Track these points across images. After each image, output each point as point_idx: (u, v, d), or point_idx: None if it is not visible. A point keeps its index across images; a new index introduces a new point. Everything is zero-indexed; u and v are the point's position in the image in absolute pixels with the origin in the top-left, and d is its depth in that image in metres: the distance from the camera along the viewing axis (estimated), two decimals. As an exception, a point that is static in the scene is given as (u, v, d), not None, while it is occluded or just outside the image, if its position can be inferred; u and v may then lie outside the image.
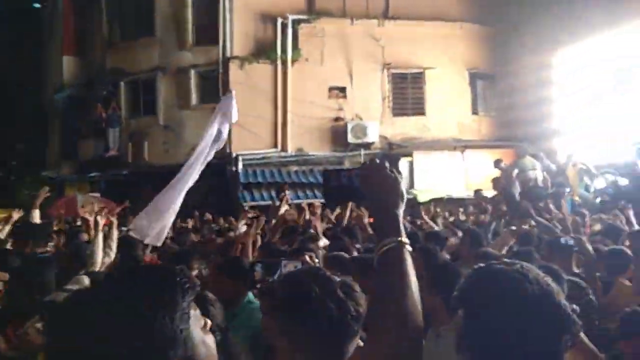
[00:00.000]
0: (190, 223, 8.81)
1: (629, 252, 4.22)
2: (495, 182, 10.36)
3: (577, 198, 9.44)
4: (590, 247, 4.29)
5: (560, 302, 1.25)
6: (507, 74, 15.40)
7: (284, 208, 7.08)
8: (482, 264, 1.39)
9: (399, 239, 1.30)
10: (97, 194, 14.14)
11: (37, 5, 20.36)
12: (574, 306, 1.30)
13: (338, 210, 7.66)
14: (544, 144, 12.51)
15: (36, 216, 5.81)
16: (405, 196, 1.38)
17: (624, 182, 9.48)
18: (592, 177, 10.80)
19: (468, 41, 15.50)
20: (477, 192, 9.83)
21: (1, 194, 17.59)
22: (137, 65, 15.53)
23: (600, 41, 11.95)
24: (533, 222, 5.77)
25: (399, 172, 1.41)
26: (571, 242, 4.27)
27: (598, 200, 9.48)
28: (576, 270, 4.16)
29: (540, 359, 1.24)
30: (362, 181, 1.40)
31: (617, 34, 11.51)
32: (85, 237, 5.25)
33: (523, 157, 10.00)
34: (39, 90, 20.58)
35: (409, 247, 1.31)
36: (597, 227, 7.45)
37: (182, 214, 10.84)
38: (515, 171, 9.88)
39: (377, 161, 1.42)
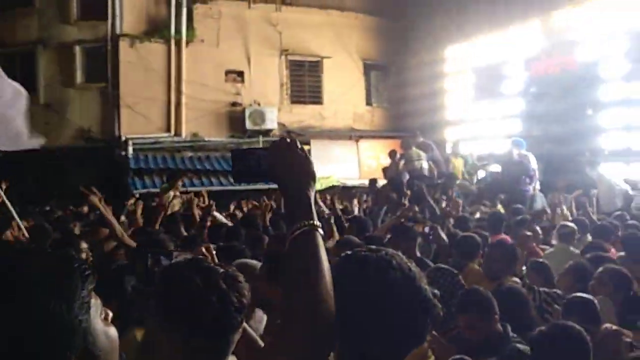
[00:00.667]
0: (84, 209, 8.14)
1: (478, 238, 4.65)
2: (385, 171, 10.85)
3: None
4: (443, 235, 4.78)
5: (421, 286, 1.29)
6: (400, 66, 16.06)
7: (172, 195, 6.89)
8: (348, 252, 1.40)
9: (311, 222, 1.23)
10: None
11: None
12: (435, 291, 1.36)
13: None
14: (435, 135, 13.22)
15: None
16: (317, 176, 1.32)
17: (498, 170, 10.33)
18: (474, 168, 11.66)
19: (363, 32, 15.92)
20: (372, 181, 10.20)
21: None
22: (13, 37, 14.12)
23: (485, 41, 12.86)
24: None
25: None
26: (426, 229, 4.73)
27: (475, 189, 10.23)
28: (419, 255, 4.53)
29: (405, 341, 1.29)
30: (271, 161, 1.32)
31: (499, 35, 12.44)
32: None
33: (409, 149, 10.47)
34: None
35: (321, 231, 1.25)
36: (477, 215, 8.09)
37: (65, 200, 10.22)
38: (402, 162, 10.38)
39: (288, 140, 1.34)
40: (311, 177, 1.31)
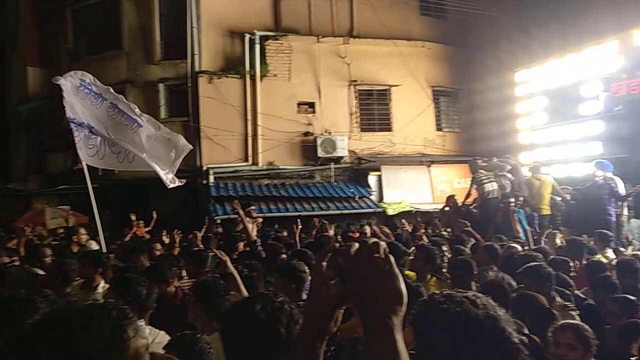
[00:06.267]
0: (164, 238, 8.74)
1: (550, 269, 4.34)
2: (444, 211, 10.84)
3: (546, 209, 9.87)
4: None
5: (505, 327, 1.20)
6: (469, 91, 16.11)
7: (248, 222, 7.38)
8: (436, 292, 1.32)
9: None
10: (67, 207, 13.93)
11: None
12: (523, 337, 1.27)
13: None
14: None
15: None
16: (405, 299, 1.06)
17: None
18: (557, 191, 11.31)
19: (430, 60, 16.14)
20: (443, 210, 10.26)
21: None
22: (105, 78, 15.21)
23: (557, 63, 12.68)
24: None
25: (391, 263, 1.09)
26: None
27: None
28: None
29: None
30: (348, 276, 1.10)
31: (571, 57, 12.24)
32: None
33: (476, 171, 10.36)
34: (1, 102, 20.11)
35: None
36: (558, 241, 7.91)
37: (155, 227, 10.95)
38: (474, 186, 10.30)
39: (368, 247, 1.10)
40: (397, 299, 1.05)
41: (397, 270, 1.06)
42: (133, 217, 10.12)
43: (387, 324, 1.02)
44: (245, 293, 3.22)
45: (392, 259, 1.08)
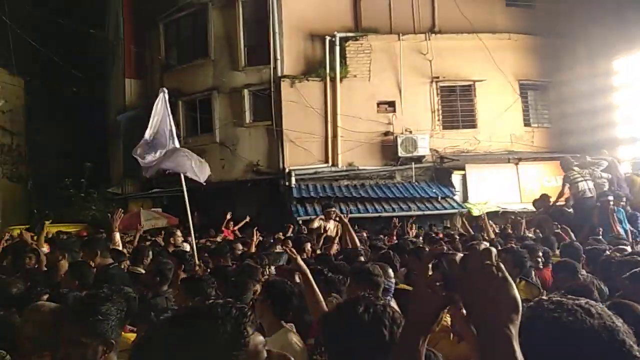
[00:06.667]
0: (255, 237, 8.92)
1: None
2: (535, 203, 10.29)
3: None
4: None
5: (625, 340, 1.11)
6: (559, 83, 15.17)
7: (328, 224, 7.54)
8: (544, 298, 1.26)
9: None
10: (159, 209, 14.85)
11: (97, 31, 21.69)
12: None
13: None
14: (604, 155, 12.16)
15: (117, 238, 6.32)
16: (520, 308, 1.02)
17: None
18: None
19: (517, 52, 15.40)
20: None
21: (72, 210, 18.74)
22: (193, 86, 16.29)
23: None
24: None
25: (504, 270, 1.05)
26: None
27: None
28: None
29: None
30: (457, 276, 1.09)
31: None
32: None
33: (569, 169, 9.79)
34: (104, 112, 21.88)
35: None
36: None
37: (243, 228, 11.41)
38: (567, 185, 9.74)
39: (480, 249, 1.10)
40: (514, 308, 1.01)
41: (510, 277, 1.03)
42: (228, 216, 10.60)
43: (506, 333, 0.99)
44: (316, 290, 3.22)
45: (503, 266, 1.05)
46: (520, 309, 1.01)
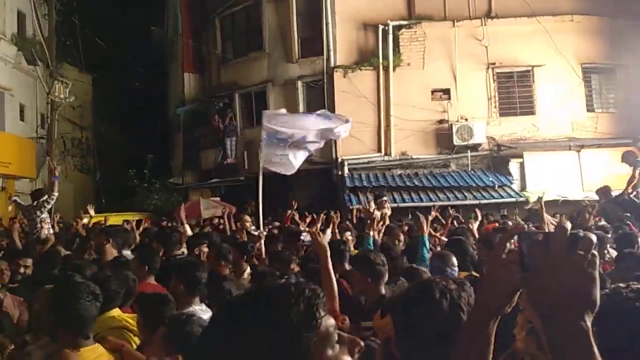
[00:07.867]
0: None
1: None
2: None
3: None
4: None
5: None
6: (626, 66, 14.40)
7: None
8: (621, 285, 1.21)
9: None
10: (218, 198, 15.34)
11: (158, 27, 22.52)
12: None
13: None
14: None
15: (187, 230, 6.79)
16: (598, 301, 0.94)
17: None
18: None
19: (580, 34, 14.71)
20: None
21: (136, 200, 19.70)
22: (249, 78, 16.65)
23: None
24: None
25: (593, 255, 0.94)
26: None
27: None
28: None
29: None
30: (531, 259, 0.99)
31: None
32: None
33: (632, 163, 9.33)
34: (165, 105, 22.78)
35: None
36: None
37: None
38: (638, 170, 9.31)
39: (562, 232, 0.97)
40: (590, 303, 0.94)
41: (597, 275, 0.93)
42: (294, 204, 10.79)
43: (582, 327, 0.92)
44: (332, 277, 3.15)
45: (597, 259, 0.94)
46: (597, 308, 0.94)
